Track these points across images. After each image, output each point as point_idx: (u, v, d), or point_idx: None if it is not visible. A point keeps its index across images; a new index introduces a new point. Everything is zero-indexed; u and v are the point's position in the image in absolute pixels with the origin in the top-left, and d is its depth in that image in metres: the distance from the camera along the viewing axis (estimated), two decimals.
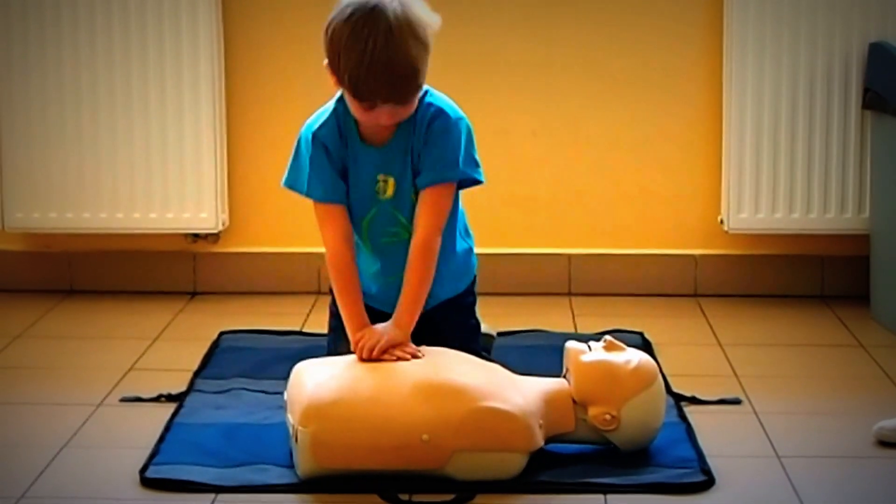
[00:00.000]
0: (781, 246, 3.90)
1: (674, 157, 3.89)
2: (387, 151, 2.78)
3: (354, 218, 2.84)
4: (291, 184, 2.84)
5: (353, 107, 2.71)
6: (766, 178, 3.78)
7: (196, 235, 3.92)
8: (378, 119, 2.69)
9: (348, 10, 2.66)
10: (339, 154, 2.79)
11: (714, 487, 2.54)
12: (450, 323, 2.91)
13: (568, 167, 3.90)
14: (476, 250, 3.01)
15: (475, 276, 3.00)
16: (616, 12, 3.83)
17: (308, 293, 3.86)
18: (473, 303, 3.00)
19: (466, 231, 2.95)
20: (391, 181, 2.79)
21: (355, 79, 2.63)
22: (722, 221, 3.84)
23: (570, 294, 3.92)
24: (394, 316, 2.74)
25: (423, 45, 2.67)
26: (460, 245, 2.91)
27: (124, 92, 3.78)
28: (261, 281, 3.92)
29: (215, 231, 3.87)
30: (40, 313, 3.72)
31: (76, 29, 3.76)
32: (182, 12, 3.75)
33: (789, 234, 3.85)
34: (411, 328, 2.74)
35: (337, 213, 2.79)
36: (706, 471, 2.58)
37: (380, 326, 2.73)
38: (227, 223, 3.89)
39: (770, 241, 3.89)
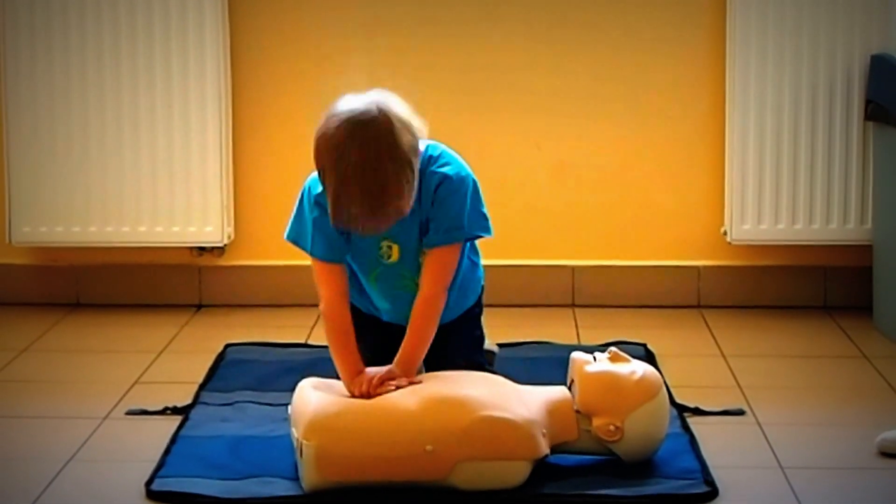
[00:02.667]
0: (784, 257, 3.91)
1: (677, 168, 3.89)
2: None
3: (362, 272, 2.83)
4: (295, 239, 2.82)
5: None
6: (769, 189, 3.79)
7: (202, 249, 3.93)
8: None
9: (332, 125, 2.60)
10: None
11: (717, 499, 2.54)
12: (456, 334, 2.91)
13: (571, 180, 3.91)
14: (481, 262, 3.02)
15: (482, 289, 3.01)
16: (619, 26, 3.85)
17: (313, 306, 3.83)
18: (479, 314, 3.01)
19: (474, 249, 2.95)
20: (395, 247, 2.79)
21: (335, 205, 2.59)
22: (725, 233, 3.85)
23: (573, 305, 3.93)
24: (395, 361, 2.74)
25: (409, 168, 2.60)
26: (466, 264, 2.91)
27: (131, 107, 3.79)
28: (266, 294, 3.93)
29: (221, 244, 3.88)
30: (47, 327, 3.73)
31: (84, 44, 3.77)
32: (189, 27, 3.77)
33: (792, 245, 3.85)
34: (412, 376, 2.73)
35: (336, 270, 2.78)
36: (709, 482, 2.58)
37: (375, 369, 2.72)
38: (232, 236, 3.90)
39: (773, 252, 3.90)
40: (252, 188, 3.91)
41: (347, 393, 2.68)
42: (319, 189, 2.72)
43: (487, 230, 2.83)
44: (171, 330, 3.70)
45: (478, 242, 2.98)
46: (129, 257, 3.93)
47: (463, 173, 2.77)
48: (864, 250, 3.80)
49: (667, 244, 3.92)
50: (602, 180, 3.90)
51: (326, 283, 2.78)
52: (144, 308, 3.90)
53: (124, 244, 3.86)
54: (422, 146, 2.70)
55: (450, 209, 2.75)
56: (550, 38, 3.85)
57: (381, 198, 2.57)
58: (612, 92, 3.86)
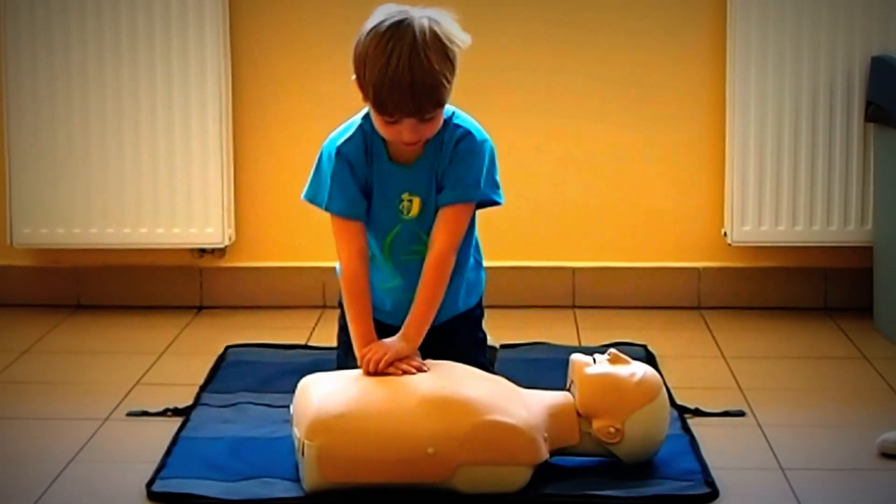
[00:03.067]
0: (785, 258, 3.91)
1: (677, 170, 3.90)
2: (413, 170, 2.78)
3: (377, 236, 2.84)
4: (311, 197, 2.83)
5: (376, 121, 2.71)
6: (770, 190, 3.80)
7: (202, 250, 3.94)
8: (401, 135, 2.69)
9: (375, 25, 2.66)
10: (362, 171, 2.78)
11: (718, 500, 2.54)
12: (458, 336, 2.92)
13: (572, 181, 3.91)
14: (483, 265, 3.02)
15: (483, 291, 3.02)
16: (619, 29, 3.85)
17: (314, 307, 3.88)
18: (481, 316, 3.01)
19: (477, 248, 2.96)
20: (416, 200, 2.80)
21: (379, 92, 2.63)
22: (725, 234, 3.85)
23: (573, 307, 3.93)
24: (402, 329, 2.76)
25: (448, 62, 2.66)
26: (472, 262, 2.92)
27: (132, 108, 3.80)
28: (267, 295, 3.93)
29: (222, 246, 3.88)
30: (48, 328, 3.74)
31: (84, 45, 3.78)
32: (189, 28, 3.77)
33: (793, 246, 3.86)
34: (419, 342, 2.75)
35: (354, 229, 2.79)
36: (710, 483, 2.59)
37: (387, 340, 2.74)
38: (233, 238, 3.90)
39: (773, 254, 3.91)
40: (253, 189, 3.92)
41: (350, 384, 2.66)
42: (342, 140, 2.76)
43: (500, 197, 2.86)
44: (172, 331, 3.70)
45: (481, 244, 2.99)
46: (129, 259, 3.94)
47: (484, 136, 2.81)
48: (865, 252, 3.80)
49: (667, 245, 3.93)
50: (602, 182, 3.91)
51: (345, 241, 2.79)
52: (145, 309, 3.90)
53: (125, 246, 3.86)
54: (448, 110, 2.76)
55: (468, 167, 2.77)
56: (551, 38, 3.86)
57: (424, 87, 2.61)
58: (613, 93, 3.87)
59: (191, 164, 3.81)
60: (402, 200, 2.80)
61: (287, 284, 3.90)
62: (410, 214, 2.81)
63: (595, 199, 3.91)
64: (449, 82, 2.67)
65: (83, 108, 3.80)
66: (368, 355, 2.70)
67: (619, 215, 3.91)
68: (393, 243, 2.84)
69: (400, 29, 2.64)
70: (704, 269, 3.93)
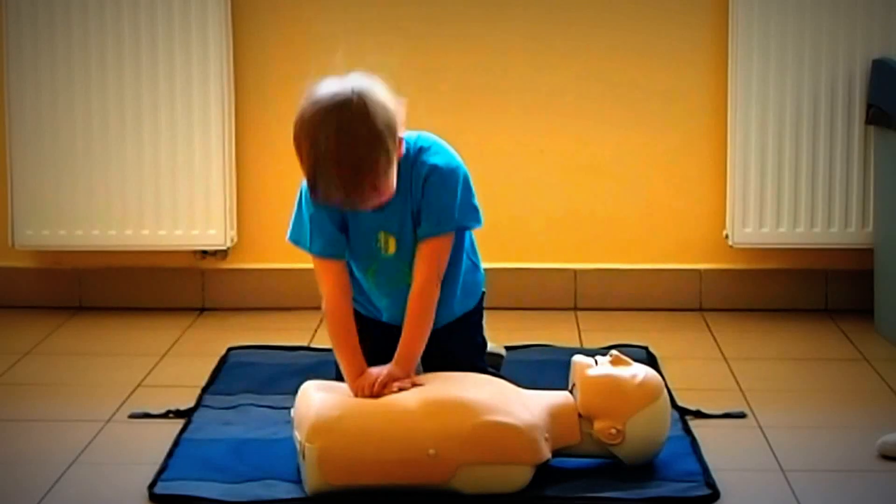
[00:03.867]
0: (786, 260, 3.91)
1: (679, 172, 3.90)
2: (386, 212, 2.75)
3: (360, 268, 2.84)
4: (296, 239, 2.83)
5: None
6: (771, 192, 3.80)
7: (205, 252, 3.94)
8: (355, 209, 2.67)
9: (306, 108, 2.64)
10: (337, 212, 2.76)
11: (719, 501, 2.54)
12: (457, 340, 2.91)
13: (574, 184, 3.92)
14: (483, 266, 3.02)
15: (483, 294, 3.01)
16: (621, 31, 3.85)
17: (315, 309, 3.84)
18: (480, 320, 3.01)
19: (473, 250, 2.96)
20: (392, 239, 2.79)
21: (311, 182, 2.61)
22: (727, 236, 3.85)
23: (575, 309, 3.93)
24: (395, 357, 2.74)
25: (381, 144, 2.59)
26: (467, 264, 2.92)
27: (134, 109, 3.80)
28: (269, 297, 3.94)
29: (224, 248, 3.89)
30: (49, 330, 3.74)
31: (86, 47, 3.78)
32: (192, 29, 3.78)
33: (794, 248, 3.86)
34: (412, 369, 2.74)
35: (336, 268, 2.79)
36: (711, 484, 2.59)
37: (377, 368, 2.73)
38: (235, 240, 3.91)
39: (774, 256, 3.91)
40: (255, 191, 3.92)
41: (351, 394, 2.69)
42: (302, 168, 2.74)
43: (478, 221, 2.84)
44: (174, 333, 3.71)
45: (478, 245, 2.99)
46: (131, 260, 3.94)
47: (453, 164, 2.78)
48: (866, 254, 3.80)
49: (669, 247, 3.93)
50: (604, 184, 3.91)
51: (327, 279, 2.79)
52: (147, 311, 3.90)
53: (127, 247, 3.86)
54: (414, 136, 2.73)
55: (440, 199, 2.76)
56: (553, 40, 3.86)
57: (355, 176, 2.58)
58: (615, 95, 3.87)
59: (193, 165, 3.82)
60: (378, 239, 2.80)
61: (289, 286, 3.91)
62: (388, 252, 2.81)
63: (597, 201, 3.92)
64: (385, 158, 2.60)
65: (85, 110, 3.80)
66: (361, 383, 2.70)
67: (621, 217, 3.92)
68: (376, 275, 2.85)
69: (328, 117, 2.59)
70: (706, 270, 3.93)
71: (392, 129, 2.63)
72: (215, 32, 3.78)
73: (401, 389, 2.66)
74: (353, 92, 2.62)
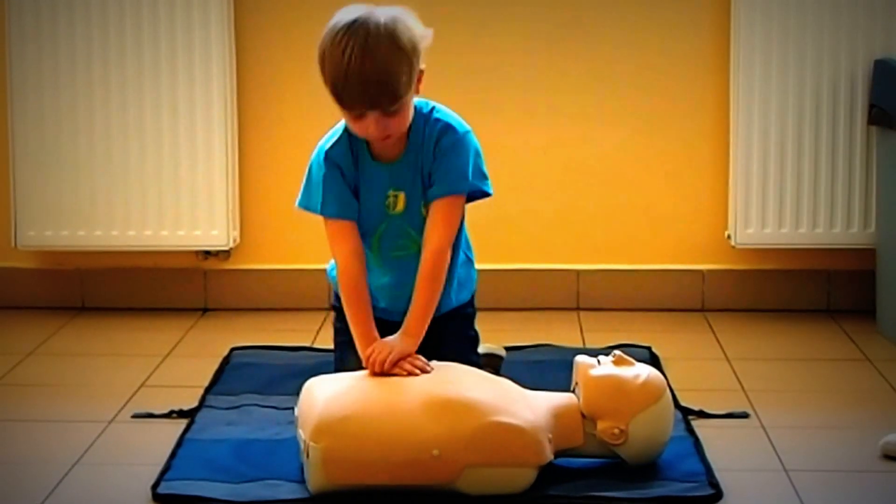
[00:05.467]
0: (788, 261, 3.92)
1: (681, 172, 3.90)
2: (397, 167, 2.82)
3: (365, 233, 2.86)
4: (305, 204, 2.88)
5: (345, 118, 2.77)
6: (773, 193, 3.80)
7: (207, 253, 3.94)
8: (367, 129, 2.72)
9: (333, 24, 2.73)
10: (350, 173, 2.83)
11: (721, 501, 2.54)
12: (450, 333, 2.93)
13: (576, 184, 3.92)
14: (485, 266, 3.03)
15: (475, 289, 3.03)
16: (623, 30, 3.86)
17: (318, 309, 3.88)
18: (473, 314, 3.02)
19: (468, 245, 2.98)
20: (401, 196, 2.83)
21: (336, 86, 2.69)
22: (729, 236, 3.86)
23: (578, 309, 3.93)
24: (403, 326, 2.77)
25: (404, 55, 2.69)
26: (461, 258, 2.94)
27: (136, 110, 3.81)
28: (271, 297, 3.94)
29: (226, 248, 3.89)
30: (52, 330, 3.74)
31: (89, 47, 3.79)
32: (195, 29, 3.78)
33: (796, 248, 3.86)
34: (420, 338, 2.76)
35: (348, 229, 2.83)
36: (714, 484, 2.59)
37: (389, 339, 2.75)
38: (237, 240, 3.91)
39: (777, 256, 3.91)
40: (257, 192, 3.92)
41: (355, 386, 2.67)
42: (329, 144, 2.81)
43: (489, 187, 2.89)
44: (177, 333, 3.71)
45: (477, 243, 2.99)
46: (134, 261, 3.94)
47: (467, 129, 2.85)
48: (868, 254, 3.81)
49: (671, 248, 3.93)
50: (606, 184, 3.91)
51: (340, 243, 2.83)
52: (150, 312, 3.91)
53: (129, 248, 3.87)
54: (427, 105, 2.81)
55: (453, 160, 2.80)
56: (555, 41, 3.86)
57: (381, 76, 2.65)
58: (617, 96, 3.87)
59: (195, 166, 3.82)
60: (388, 196, 2.83)
61: (291, 286, 3.91)
62: (396, 210, 2.84)
63: (599, 201, 3.92)
64: (405, 74, 2.69)
65: (88, 110, 3.81)
66: (373, 356, 2.71)
67: (623, 218, 3.92)
68: (381, 240, 2.87)
69: (355, 25, 2.69)
70: (708, 271, 3.94)
71: (416, 50, 2.71)
72: (218, 32, 3.79)
73: (409, 373, 2.67)
74: (382, 11, 2.71)
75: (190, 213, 3.83)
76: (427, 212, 2.82)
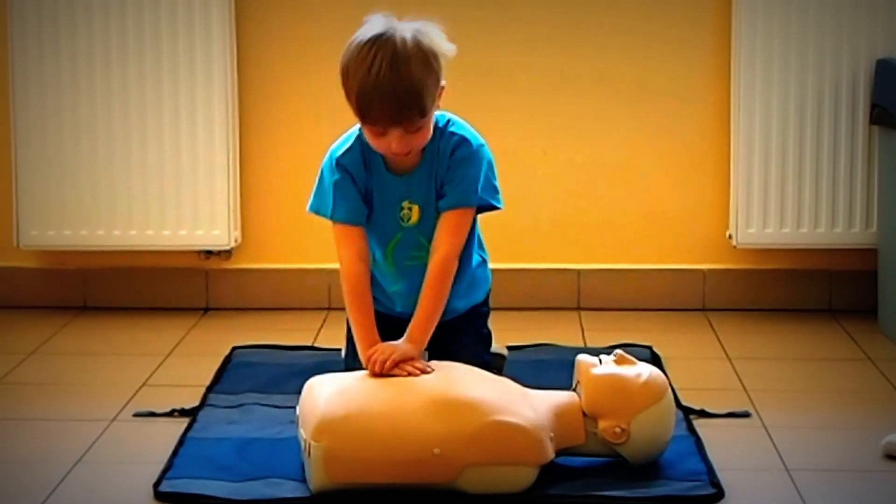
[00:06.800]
0: (789, 260, 3.92)
1: (682, 172, 3.91)
2: (411, 179, 2.82)
3: (380, 243, 2.87)
4: (317, 209, 2.87)
5: (366, 133, 2.75)
6: (774, 193, 3.80)
7: (209, 252, 3.95)
8: (389, 146, 2.71)
9: (359, 36, 2.70)
10: (362, 180, 2.82)
11: (723, 500, 2.54)
12: (464, 331, 2.94)
13: (577, 184, 3.92)
14: (489, 263, 3.03)
15: (489, 288, 3.03)
16: (624, 32, 3.86)
17: (319, 309, 3.88)
18: (487, 313, 3.03)
19: (480, 244, 2.99)
20: (416, 208, 2.83)
21: (361, 101, 2.66)
22: (730, 236, 3.86)
23: (579, 309, 3.94)
24: (407, 332, 2.77)
25: (432, 71, 2.69)
26: (475, 259, 2.95)
27: (138, 110, 3.81)
28: (273, 297, 3.94)
29: (228, 248, 3.89)
30: (54, 330, 3.75)
31: (91, 47, 3.79)
32: (196, 30, 3.78)
33: (797, 248, 3.86)
34: (424, 344, 2.76)
35: (356, 233, 2.82)
36: (715, 484, 2.59)
37: (392, 343, 2.75)
38: (239, 240, 3.91)
39: (778, 256, 3.91)
40: (259, 191, 3.93)
41: (356, 385, 2.67)
42: (341, 152, 2.80)
43: (499, 202, 2.89)
44: (179, 333, 3.71)
45: (485, 244, 3.00)
46: (136, 261, 3.95)
47: (481, 142, 2.85)
48: (869, 254, 3.81)
49: (672, 248, 3.93)
50: (607, 184, 3.91)
51: (347, 245, 2.82)
52: (152, 311, 3.91)
53: (131, 248, 3.87)
54: (443, 118, 2.80)
55: (466, 172, 2.80)
56: (556, 41, 3.87)
57: (407, 96, 2.64)
58: (618, 95, 3.88)
59: (197, 166, 3.82)
60: (402, 208, 2.83)
61: (293, 286, 3.91)
62: (411, 222, 2.84)
63: (600, 201, 3.92)
64: (430, 90, 2.69)
65: (90, 111, 3.81)
66: (374, 356, 2.71)
67: (624, 217, 3.92)
68: (395, 249, 2.87)
69: (382, 39, 2.67)
70: (709, 271, 3.94)
71: (439, 63, 2.72)
72: (219, 33, 3.79)
73: (410, 374, 2.67)
74: (407, 25, 2.70)
75: (191, 213, 3.83)
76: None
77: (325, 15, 3.87)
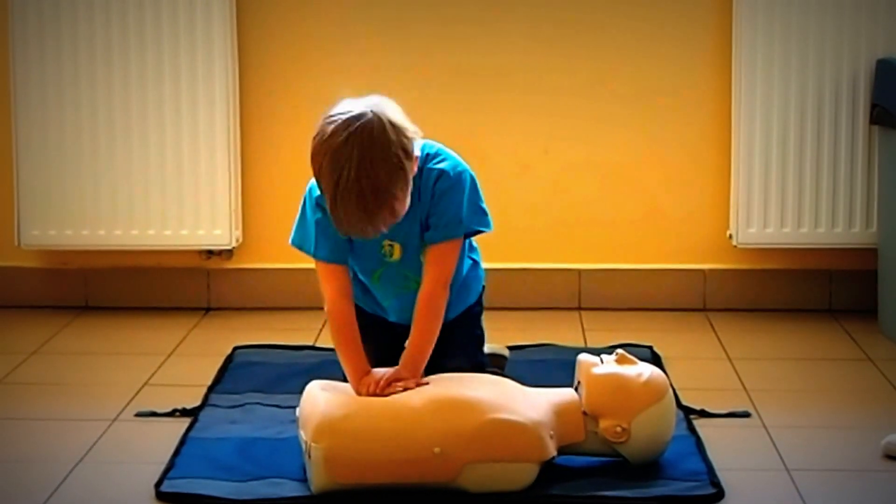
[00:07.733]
0: (790, 260, 3.92)
1: (683, 172, 3.91)
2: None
3: (364, 274, 2.86)
4: (300, 244, 2.85)
5: None
6: (775, 192, 3.81)
7: (210, 252, 3.95)
8: (367, 237, 2.66)
9: (326, 134, 2.61)
10: None
11: (723, 500, 2.55)
12: (456, 333, 2.92)
13: (578, 184, 3.92)
14: (487, 266, 3.02)
15: (483, 288, 3.03)
16: (626, 32, 3.86)
17: (321, 309, 3.86)
18: (480, 313, 3.02)
19: (472, 248, 2.97)
20: (397, 246, 2.81)
21: (335, 215, 2.61)
22: (731, 236, 3.86)
23: (579, 308, 3.94)
24: (401, 362, 2.75)
25: (402, 174, 2.60)
26: (468, 263, 2.93)
27: (140, 110, 3.81)
28: (274, 296, 3.94)
29: (229, 247, 3.89)
30: (56, 329, 3.75)
31: (92, 47, 3.79)
32: (197, 30, 3.78)
33: (798, 248, 3.86)
34: (419, 374, 2.74)
35: (338, 272, 2.80)
36: (716, 483, 2.60)
37: (383, 370, 2.74)
38: (240, 240, 3.91)
39: (778, 256, 3.91)
40: (260, 191, 3.93)
41: (355, 394, 2.69)
42: (319, 192, 2.74)
43: (487, 225, 2.84)
44: (180, 332, 3.71)
45: (478, 244, 2.99)
46: (137, 260, 3.95)
47: (460, 168, 2.78)
48: (870, 254, 3.81)
49: (673, 247, 3.93)
50: (608, 184, 3.92)
51: (330, 283, 2.80)
52: (153, 311, 3.91)
53: (133, 247, 3.87)
54: (417, 147, 2.70)
55: (448, 205, 2.76)
56: (558, 41, 3.87)
57: (374, 203, 2.58)
58: (619, 95, 3.88)
59: (198, 166, 3.83)
60: (384, 247, 2.81)
61: (294, 286, 3.91)
62: (393, 258, 2.82)
63: (601, 201, 3.92)
64: (403, 191, 2.61)
65: (91, 111, 3.81)
66: (367, 381, 2.70)
67: (625, 217, 3.92)
68: (381, 280, 2.87)
69: (348, 144, 2.57)
70: (710, 270, 3.94)
71: (409, 153, 2.63)
72: (220, 32, 3.79)
73: (405, 389, 2.66)
74: (371, 120, 2.59)
75: (193, 213, 3.84)
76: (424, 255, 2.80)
77: (325, 15, 3.87)
